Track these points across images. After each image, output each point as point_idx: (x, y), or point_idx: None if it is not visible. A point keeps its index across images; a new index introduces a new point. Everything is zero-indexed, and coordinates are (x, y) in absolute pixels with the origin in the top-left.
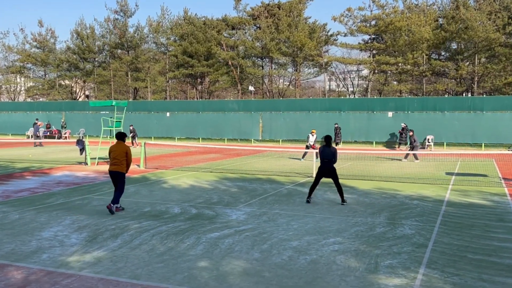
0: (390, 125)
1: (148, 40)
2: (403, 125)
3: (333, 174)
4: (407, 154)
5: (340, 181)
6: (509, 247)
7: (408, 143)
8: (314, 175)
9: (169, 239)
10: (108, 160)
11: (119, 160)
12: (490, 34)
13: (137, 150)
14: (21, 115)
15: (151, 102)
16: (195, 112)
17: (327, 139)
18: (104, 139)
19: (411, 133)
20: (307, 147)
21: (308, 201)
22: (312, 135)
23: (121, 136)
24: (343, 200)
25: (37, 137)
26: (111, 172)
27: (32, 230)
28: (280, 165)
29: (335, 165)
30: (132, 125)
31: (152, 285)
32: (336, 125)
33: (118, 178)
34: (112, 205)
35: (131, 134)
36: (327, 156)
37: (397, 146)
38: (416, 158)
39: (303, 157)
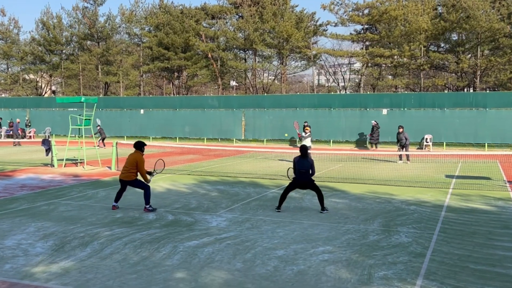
0: (384, 123)
1: (120, 30)
2: (373, 122)
3: (313, 186)
4: (402, 155)
5: (330, 184)
6: None
7: (397, 141)
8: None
9: (143, 248)
10: (77, 161)
11: (128, 168)
12: (494, 24)
13: (105, 151)
14: None
15: (123, 98)
16: (172, 109)
17: (303, 149)
18: (72, 139)
19: (401, 130)
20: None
21: (278, 210)
22: (305, 133)
23: (136, 145)
24: (323, 208)
25: (17, 136)
26: (120, 180)
27: None
28: (264, 167)
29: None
30: (99, 125)
31: None
32: (306, 123)
33: (131, 185)
34: (147, 207)
35: (96, 133)
36: (304, 167)
37: (369, 146)
38: (408, 159)
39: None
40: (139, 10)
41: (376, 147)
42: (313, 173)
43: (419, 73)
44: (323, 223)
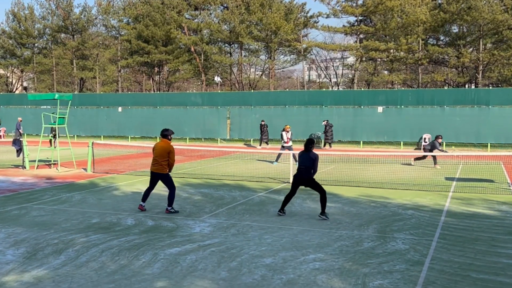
0: (380, 121)
1: (97, 22)
2: (324, 122)
3: (312, 185)
4: (434, 158)
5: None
6: None
7: (429, 147)
8: (291, 181)
9: (121, 255)
10: (50, 163)
11: (158, 160)
12: (497, 15)
13: (81, 151)
14: None
15: (100, 95)
16: (152, 106)
17: (308, 143)
18: (45, 139)
19: (440, 140)
20: (283, 148)
21: (279, 214)
22: (287, 132)
23: (163, 134)
24: (322, 212)
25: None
26: (151, 173)
27: None
28: (251, 169)
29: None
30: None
31: None
32: (263, 122)
33: (161, 180)
34: (169, 208)
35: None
36: (304, 163)
37: (327, 146)
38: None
39: (276, 159)
40: (117, 1)
41: (330, 146)
42: (314, 171)
43: (417, 68)
44: (314, 229)
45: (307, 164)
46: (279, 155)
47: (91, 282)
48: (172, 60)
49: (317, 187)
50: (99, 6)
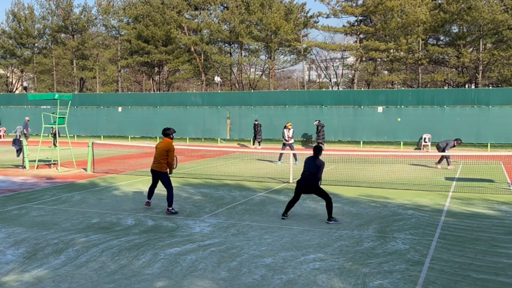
0: (380, 121)
1: (97, 22)
2: (316, 122)
3: (318, 192)
4: (449, 160)
5: (322, 187)
6: None
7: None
8: (291, 180)
9: (121, 255)
10: (50, 163)
11: (158, 159)
12: (497, 15)
13: (81, 151)
14: None
15: (100, 95)
16: (152, 106)
17: (315, 149)
18: (45, 139)
19: (455, 143)
20: (284, 146)
21: (283, 217)
22: (288, 130)
23: (165, 133)
24: (330, 218)
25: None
26: (151, 170)
27: None
28: (251, 169)
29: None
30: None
31: None
32: (256, 121)
33: (159, 178)
34: (169, 209)
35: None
36: (308, 169)
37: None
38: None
39: (279, 158)
40: (117, 1)
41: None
42: (319, 178)
43: (417, 68)
44: (314, 229)
45: (311, 170)
46: (281, 154)
47: (91, 282)
48: (172, 60)
49: (322, 194)
50: (99, 6)
